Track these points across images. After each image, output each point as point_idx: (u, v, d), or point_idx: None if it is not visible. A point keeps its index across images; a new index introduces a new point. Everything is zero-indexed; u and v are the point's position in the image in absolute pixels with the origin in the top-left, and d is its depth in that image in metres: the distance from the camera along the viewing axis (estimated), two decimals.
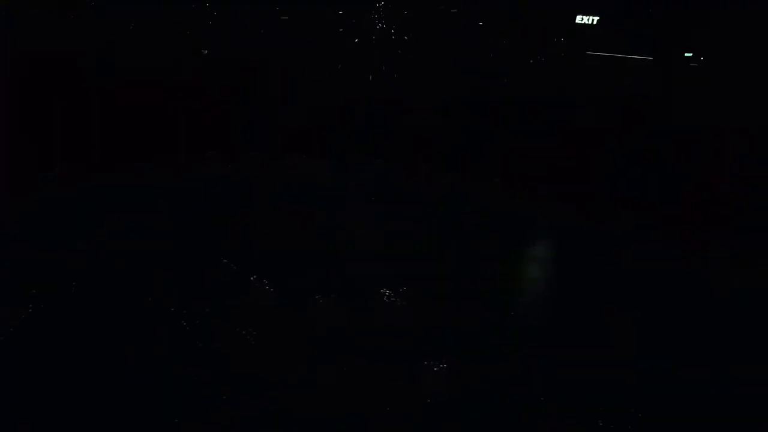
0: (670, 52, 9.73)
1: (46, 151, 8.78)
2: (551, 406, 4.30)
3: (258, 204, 8.27)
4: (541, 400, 4.33)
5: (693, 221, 8.77)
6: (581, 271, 7.07)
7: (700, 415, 4.41)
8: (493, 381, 4.51)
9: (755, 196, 8.78)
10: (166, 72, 10.55)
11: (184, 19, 10.75)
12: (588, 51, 10.11)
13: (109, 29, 10.28)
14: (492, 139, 11.08)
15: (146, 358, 4.37)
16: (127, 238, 6.47)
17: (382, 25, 11.06)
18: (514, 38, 10.51)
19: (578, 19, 9.90)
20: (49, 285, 5.17)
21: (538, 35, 10.34)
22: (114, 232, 6.60)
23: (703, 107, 9.62)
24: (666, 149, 9.91)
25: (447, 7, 10.74)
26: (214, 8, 10.80)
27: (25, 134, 8.86)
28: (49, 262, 5.60)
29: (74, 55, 9.94)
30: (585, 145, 10.29)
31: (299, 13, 10.95)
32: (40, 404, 3.79)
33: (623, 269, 7.13)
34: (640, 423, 4.21)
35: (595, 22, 9.82)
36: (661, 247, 7.91)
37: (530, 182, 9.91)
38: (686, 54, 9.51)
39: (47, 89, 9.50)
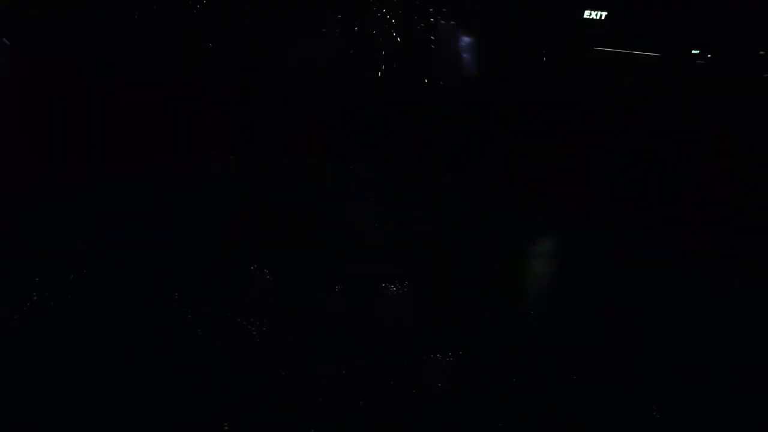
0: (677, 49, 9.64)
1: (46, 151, 8.77)
2: (551, 406, 4.30)
3: (258, 204, 8.26)
4: (541, 400, 4.33)
5: (693, 221, 8.76)
6: (581, 271, 7.07)
7: (700, 415, 4.41)
8: (493, 381, 4.51)
9: (756, 196, 8.77)
10: (166, 72, 10.55)
11: (185, 18, 10.75)
12: (596, 47, 10.02)
13: (109, 29, 10.27)
14: (492, 139, 11.07)
15: (146, 358, 4.37)
16: (127, 238, 6.47)
17: (383, 24, 11.05)
18: (518, 34, 10.43)
19: (586, 14, 9.80)
20: (49, 285, 5.17)
21: (544, 30, 10.25)
22: (114, 232, 6.59)
23: (707, 106, 9.60)
24: (667, 148, 9.89)
25: (447, 4, 10.71)
26: (215, 8, 10.80)
27: (25, 134, 8.86)
28: (49, 262, 5.60)
29: (74, 55, 9.93)
30: (585, 144, 10.28)
31: (299, 13, 10.95)
32: (40, 404, 3.79)
33: (623, 269, 7.13)
34: (640, 423, 4.21)
35: (603, 17, 9.72)
36: (662, 247, 7.90)
37: (530, 182, 9.90)
38: (693, 51, 9.41)
39: (47, 89, 9.49)
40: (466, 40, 10.82)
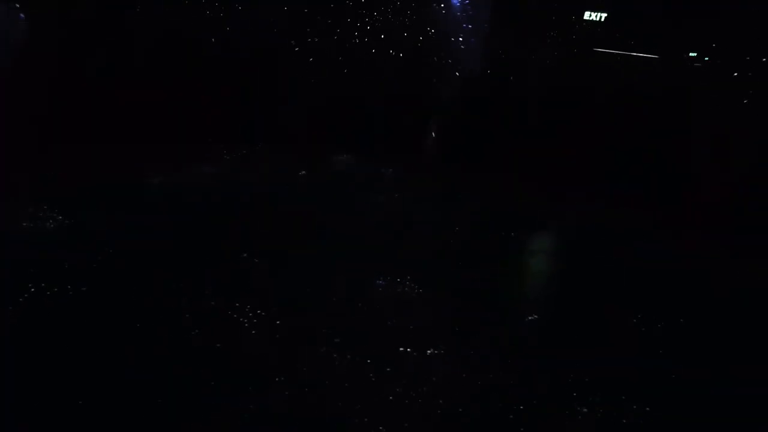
0: (675, 50, 9.66)
1: (46, 151, 8.78)
2: (551, 406, 4.30)
3: (258, 204, 8.27)
4: (541, 400, 4.33)
5: (694, 221, 8.77)
6: (582, 270, 7.08)
7: (700, 415, 4.41)
8: (493, 381, 4.51)
9: (756, 196, 8.78)
10: (166, 71, 10.55)
11: (185, 18, 10.76)
12: (595, 48, 10.04)
13: (109, 29, 10.28)
14: (492, 138, 11.07)
15: (146, 358, 4.37)
16: (127, 238, 6.47)
17: (383, 23, 11.06)
18: (519, 34, 10.45)
19: (587, 15, 9.82)
20: (49, 285, 5.17)
21: (544, 31, 10.28)
22: (114, 232, 6.60)
23: (704, 108, 9.61)
24: (665, 150, 9.91)
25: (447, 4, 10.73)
26: (215, 7, 10.81)
27: (25, 134, 8.86)
28: (49, 262, 5.60)
29: (74, 55, 9.94)
30: (586, 143, 10.30)
31: (300, 12, 10.96)
32: (39, 404, 3.79)
33: (623, 268, 7.14)
34: (640, 423, 4.21)
35: (603, 19, 9.74)
36: (662, 246, 7.91)
37: (530, 182, 9.91)
38: (691, 54, 9.44)
39: (47, 89, 9.50)
40: (467, 40, 10.85)
